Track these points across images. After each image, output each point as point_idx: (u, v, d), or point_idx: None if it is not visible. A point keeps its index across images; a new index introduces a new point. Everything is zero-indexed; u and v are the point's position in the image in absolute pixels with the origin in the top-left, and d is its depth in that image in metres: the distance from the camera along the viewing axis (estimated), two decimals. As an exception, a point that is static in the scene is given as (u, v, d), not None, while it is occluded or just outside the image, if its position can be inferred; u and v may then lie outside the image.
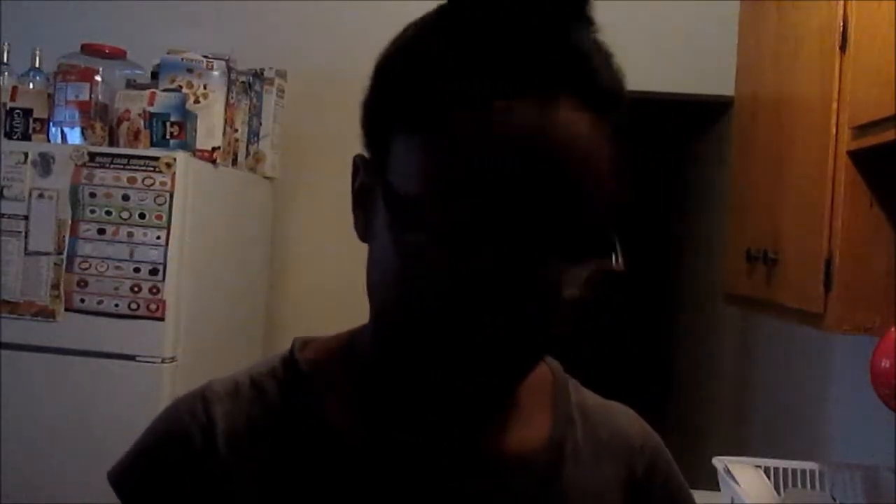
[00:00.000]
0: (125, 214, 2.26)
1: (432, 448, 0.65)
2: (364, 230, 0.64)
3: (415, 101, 0.58)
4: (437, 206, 0.55)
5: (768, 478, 1.72)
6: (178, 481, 0.65)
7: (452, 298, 0.56)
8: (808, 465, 1.76)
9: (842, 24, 1.45)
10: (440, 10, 0.62)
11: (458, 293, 0.56)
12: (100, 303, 2.27)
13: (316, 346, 0.71)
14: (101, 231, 2.27)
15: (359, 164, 0.64)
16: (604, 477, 0.69)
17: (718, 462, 1.75)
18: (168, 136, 2.30)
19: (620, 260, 0.57)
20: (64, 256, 2.28)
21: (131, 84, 2.47)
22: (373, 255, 0.63)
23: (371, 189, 0.62)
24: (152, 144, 2.30)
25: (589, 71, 0.58)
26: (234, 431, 0.65)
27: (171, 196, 2.25)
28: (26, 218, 2.30)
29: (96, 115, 2.35)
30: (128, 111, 2.33)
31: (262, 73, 2.73)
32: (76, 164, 2.28)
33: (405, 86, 0.59)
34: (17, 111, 2.38)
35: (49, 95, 2.38)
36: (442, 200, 0.55)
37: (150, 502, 0.67)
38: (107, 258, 2.27)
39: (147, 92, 2.34)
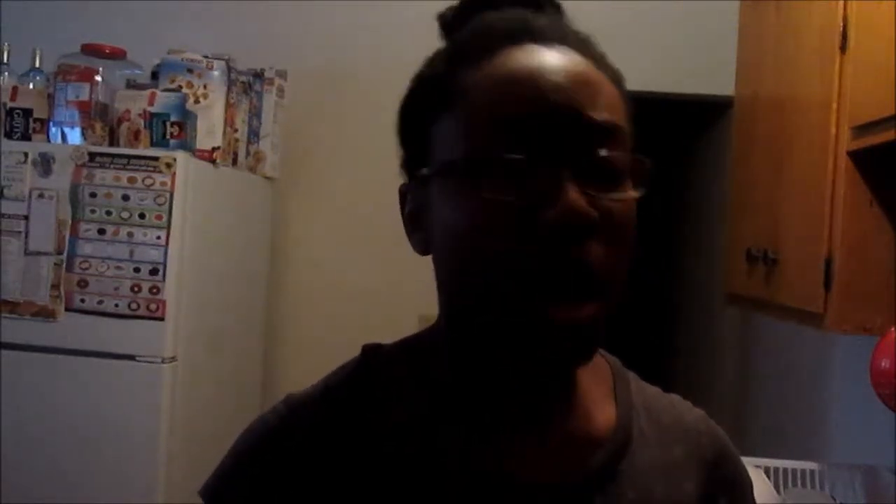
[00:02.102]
0: (125, 214, 2.26)
1: (511, 434, 0.67)
2: (425, 243, 0.68)
3: (442, 82, 0.65)
4: (488, 152, 0.60)
5: (768, 478, 1.72)
6: (277, 490, 0.66)
7: (529, 240, 0.59)
8: (808, 465, 1.76)
9: (842, 23, 1.45)
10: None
11: (532, 234, 0.59)
12: (100, 303, 2.27)
13: (387, 350, 0.73)
14: (101, 231, 2.27)
15: (405, 191, 0.70)
16: (673, 457, 0.72)
17: (718, 462, 1.75)
18: (168, 136, 2.30)
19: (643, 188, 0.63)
20: (64, 256, 2.28)
21: (131, 84, 2.48)
22: (440, 245, 0.66)
23: (424, 203, 0.67)
24: (152, 144, 2.30)
25: (577, 32, 0.67)
26: (321, 436, 0.67)
27: (171, 196, 2.25)
28: (26, 218, 2.30)
29: (96, 115, 2.35)
30: (128, 111, 2.33)
31: (262, 73, 2.73)
32: (76, 164, 2.28)
33: (431, 79, 0.67)
34: (17, 111, 2.38)
35: (49, 95, 2.38)
36: (489, 144, 0.60)
37: None
38: (107, 258, 2.27)
39: (147, 92, 2.34)
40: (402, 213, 0.70)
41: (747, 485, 0.78)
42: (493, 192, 0.59)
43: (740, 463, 0.78)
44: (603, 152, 0.61)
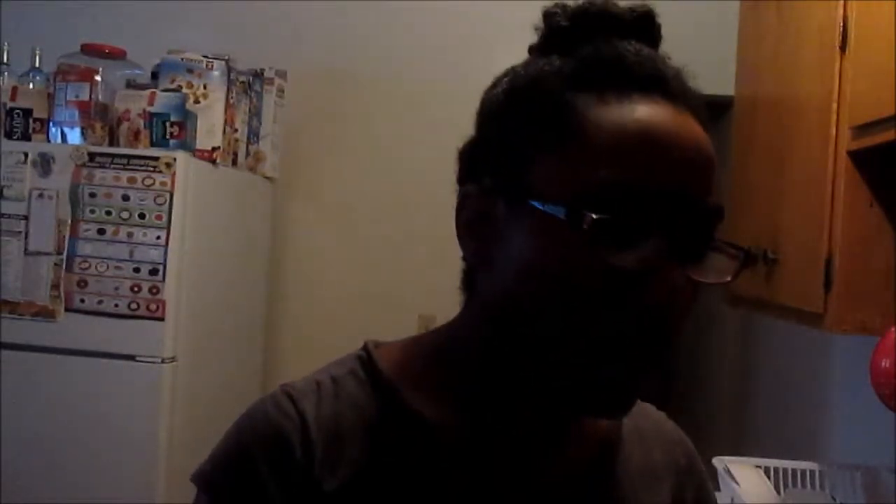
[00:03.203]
0: (125, 214, 2.26)
1: (527, 438, 0.68)
2: (481, 256, 0.65)
3: (558, 108, 0.62)
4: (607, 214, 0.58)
5: (768, 478, 1.72)
6: (278, 478, 0.64)
7: (629, 311, 0.59)
8: (808, 465, 1.76)
9: (842, 23, 1.45)
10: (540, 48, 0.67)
11: (624, 307, 0.59)
12: (100, 303, 2.27)
13: (391, 348, 0.73)
14: (101, 231, 2.27)
15: (472, 194, 0.66)
16: (654, 462, 0.76)
17: (718, 462, 1.75)
18: (168, 136, 2.30)
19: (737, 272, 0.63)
20: (64, 256, 2.28)
21: (131, 84, 2.48)
22: (511, 272, 0.63)
23: (492, 215, 0.64)
24: (152, 144, 2.30)
25: (694, 90, 0.66)
26: (326, 426, 0.66)
27: (171, 196, 2.25)
28: (26, 218, 2.30)
29: (96, 115, 2.35)
30: (128, 111, 2.33)
31: (262, 73, 2.73)
32: (76, 164, 2.28)
33: (543, 97, 0.63)
34: (17, 111, 2.38)
35: (49, 95, 2.38)
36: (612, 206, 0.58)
37: (249, 501, 0.65)
38: (107, 258, 2.27)
39: (147, 92, 2.34)
40: (458, 215, 0.66)
41: (712, 494, 0.83)
42: (611, 256, 0.58)
43: (706, 476, 0.82)
44: (710, 237, 0.61)
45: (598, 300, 0.59)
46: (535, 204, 0.60)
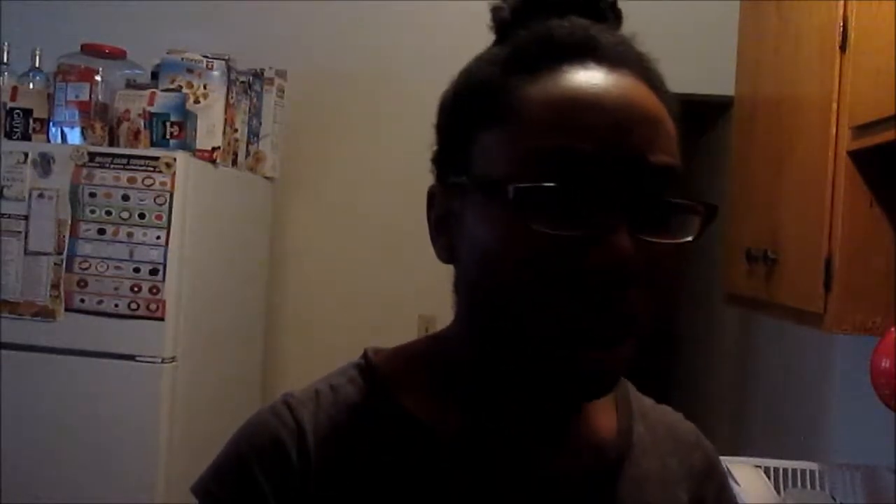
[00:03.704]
0: (125, 214, 2.26)
1: (524, 437, 0.67)
2: (449, 251, 0.65)
3: (495, 89, 0.62)
4: (540, 173, 0.57)
5: (768, 478, 1.72)
6: (275, 486, 0.64)
7: (570, 281, 0.57)
8: (808, 465, 1.76)
9: (842, 24, 1.45)
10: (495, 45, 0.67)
11: (569, 268, 0.57)
12: (100, 303, 2.27)
13: (388, 354, 0.72)
14: (101, 231, 2.27)
15: (435, 193, 0.67)
16: (669, 467, 0.73)
17: (718, 462, 1.75)
18: (168, 136, 2.30)
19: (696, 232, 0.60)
20: (64, 256, 2.28)
21: (131, 84, 2.47)
22: (469, 262, 0.63)
23: (453, 209, 0.64)
24: (152, 144, 2.30)
25: (639, 54, 0.64)
26: (323, 433, 0.66)
27: (171, 196, 2.25)
28: (26, 218, 2.30)
29: (96, 115, 2.35)
30: (128, 111, 2.33)
31: (262, 73, 2.73)
32: (76, 164, 2.28)
33: (483, 83, 0.63)
34: (17, 111, 2.38)
35: (49, 95, 2.38)
36: (544, 166, 0.57)
37: None
38: (107, 258, 2.27)
39: (147, 92, 2.34)
40: (428, 216, 0.67)
41: (733, 498, 0.80)
42: (541, 225, 0.57)
43: (726, 477, 0.79)
44: (658, 196, 0.58)
45: (546, 276, 0.57)
46: (477, 188, 0.61)
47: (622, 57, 0.62)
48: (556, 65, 0.61)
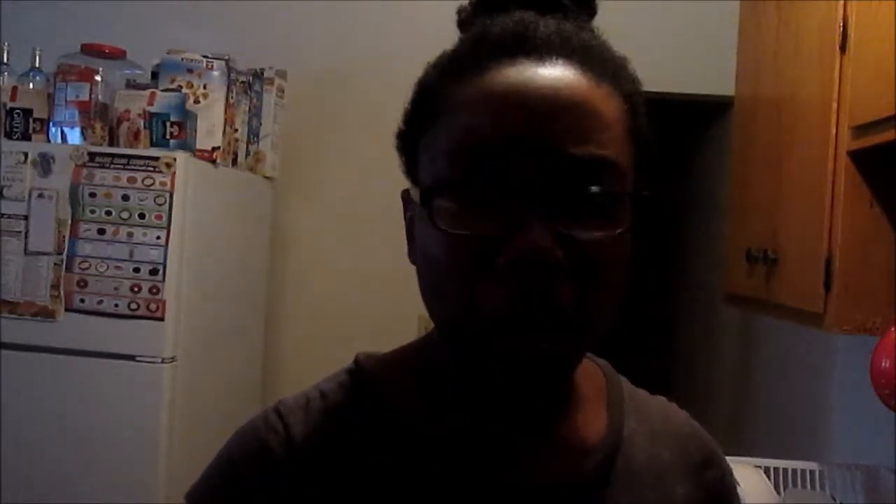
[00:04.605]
0: (125, 214, 2.26)
1: (513, 437, 0.67)
2: (413, 257, 0.67)
3: (431, 94, 0.63)
4: (455, 181, 0.58)
5: (768, 478, 1.72)
6: (265, 493, 0.65)
7: (486, 277, 0.58)
8: (808, 465, 1.76)
9: (842, 23, 1.45)
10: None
11: (491, 269, 0.57)
12: (100, 303, 2.27)
13: (379, 358, 0.73)
14: (101, 231, 2.27)
15: (405, 199, 0.68)
16: (664, 460, 0.72)
17: (718, 462, 1.75)
18: (168, 136, 2.30)
19: (627, 225, 0.59)
20: (64, 256, 2.28)
21: (131, 84, 2.47)
22: (418, 265, 0.65)
23: (413, 214, 0.66)
24: (152, 144, 2.31)
25: (583, 43, 0.62)
26: (314, 439, 0.66)
27: (171, 196, 2.25)
28: (26, 218, 2.30)
29: (96, 115, 2.35)
30: (128, 111, 2.33)
31: (262, 73, 2.73)
32: (76, 164, 2.28)
33: (424, 89, 0.65)
34: (17, 111, 2.38)
35: (49, 95, 2.38)
36: (458, 172, 0.58)
37: None
38: (107, 258, 2.27)
39: (147, 92, 2.34)
40: (405, 218, 0.69)
41: (733, 488, 0.79)
42: (449, 225, 0.58)
43: (727, 465, 0.79)
44: (580, 188, 0.57)
45: (467, 276, 0.58)
46: (413, 193, 0.64)
47: (555, 47, 0.61)
48: (486, 63, 0.60)
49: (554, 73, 0.59)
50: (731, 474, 0.79)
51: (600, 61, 0.62)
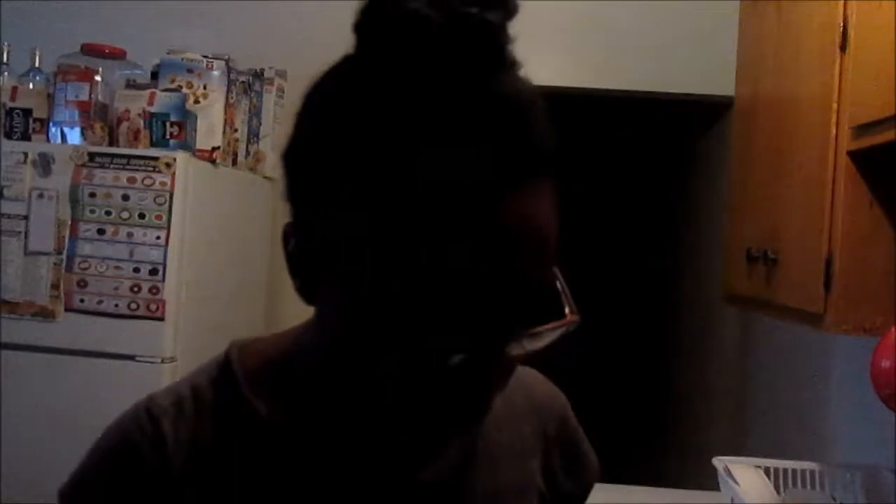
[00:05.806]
0: (125, 214, 2.26)
1: (373, 432, 0.66)
2: (310, 291, 0.63)
3: (358, 166, 0.57)
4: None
5: (768, 478, 1.72)
6: (132, 496, 0.65)
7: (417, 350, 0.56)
8: (808, 465, 1.76)
9: (842, 24, 1.45)
10: (356, 63, 0.62)
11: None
12: (99, 303, 2.27)
13: (251, 350, 0.72)
14: (101, 231, 2.27)
15: (289, 233, 0.63)
16: (522, 436, 0.74)
17: (718, 462, 1.75)
18: (168, 136, 2.30)
19: (571, 311, 0.58)
20: (64, 256, 2.28)
21: (131, 84, 2.47)
22: (333, 307, 0.62)
23: (308, 252, 0.61)
24: (152, 144, 2.30)
25: (523, 131, 0.55)
26: (183, 442, 0.66)
27: (171, 196, 2.25)
28: (26, 218, 2.30)
29: (96, 115, 2.35)
30: (128, 111, 2.33)
31: (262, 73, 2.73)
32: (76, 164, 2.28)
33: (344, 148, 0.59)
34: (17, 111, 2.38)
35: (49, 95, 2.38)
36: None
37: None
38: (107, 258, 2.27)
39: (147, 92, 2.34)
40: (286, 252, 0.65)
41: (585, 454, 0.80)
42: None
43: (580, 433, 0.80)
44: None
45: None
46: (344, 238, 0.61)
47: (497, 149, 0.55)
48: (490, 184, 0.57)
49: (541, 206, 0.56)
50: (584, 440, 0.81)
51: (540, 151, 0.57)
